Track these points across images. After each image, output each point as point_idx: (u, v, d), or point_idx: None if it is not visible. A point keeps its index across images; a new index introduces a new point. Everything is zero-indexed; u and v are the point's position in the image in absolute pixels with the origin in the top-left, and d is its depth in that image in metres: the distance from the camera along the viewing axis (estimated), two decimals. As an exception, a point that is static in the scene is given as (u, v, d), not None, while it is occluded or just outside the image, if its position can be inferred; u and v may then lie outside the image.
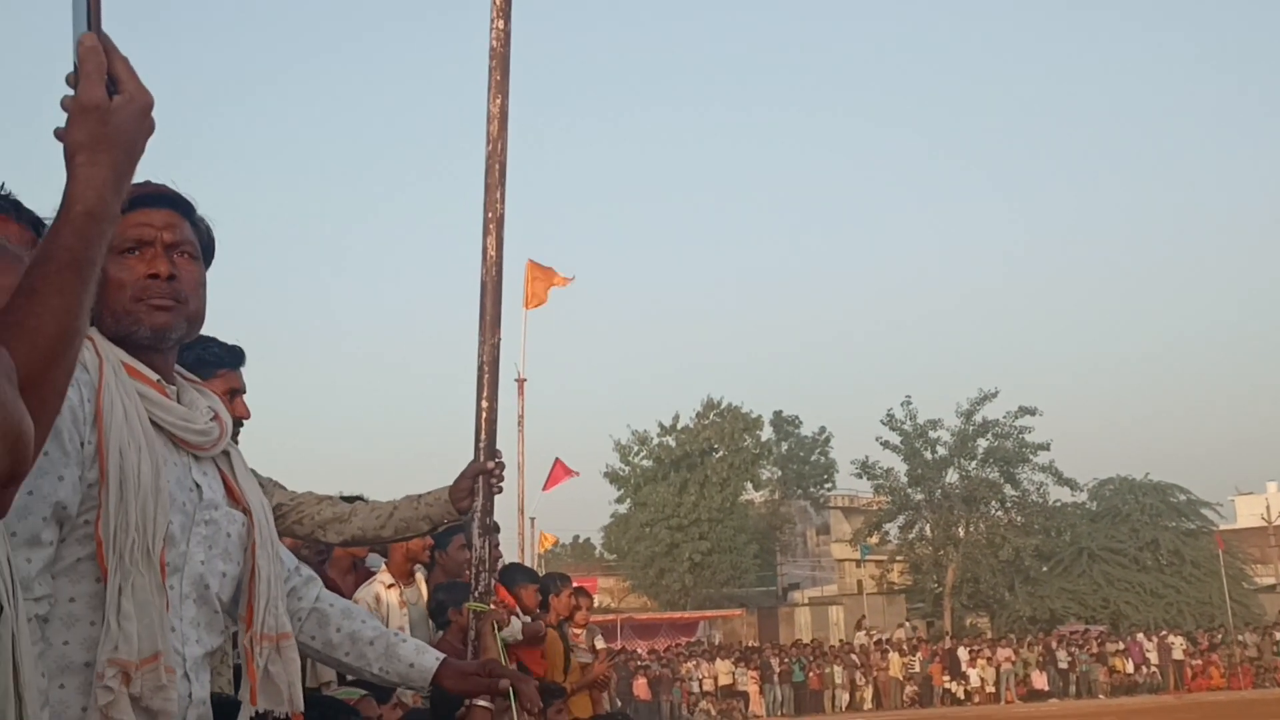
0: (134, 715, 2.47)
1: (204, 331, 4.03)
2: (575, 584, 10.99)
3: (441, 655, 3.59)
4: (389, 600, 7.21)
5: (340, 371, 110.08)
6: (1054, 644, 46.50)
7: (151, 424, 2.64)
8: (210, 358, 4.06)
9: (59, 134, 1.99)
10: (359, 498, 4.77)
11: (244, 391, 4.18)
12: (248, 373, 4.28)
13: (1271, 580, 64.47)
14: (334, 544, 4.59)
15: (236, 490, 2.90)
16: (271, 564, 2.96)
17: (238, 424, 4.15)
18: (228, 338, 4.26)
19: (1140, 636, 47.76)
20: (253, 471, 4.16)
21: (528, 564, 12.44)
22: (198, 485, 2.78)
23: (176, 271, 2.78)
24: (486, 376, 4.52)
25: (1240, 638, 47.82)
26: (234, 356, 4.17)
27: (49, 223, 2.50)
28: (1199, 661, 46.57)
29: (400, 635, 3.59)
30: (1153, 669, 46.19)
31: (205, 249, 2.91)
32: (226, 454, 2.94)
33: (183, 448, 2.76)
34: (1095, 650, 46.28)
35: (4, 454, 1.61)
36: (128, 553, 2.48)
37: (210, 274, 2.93)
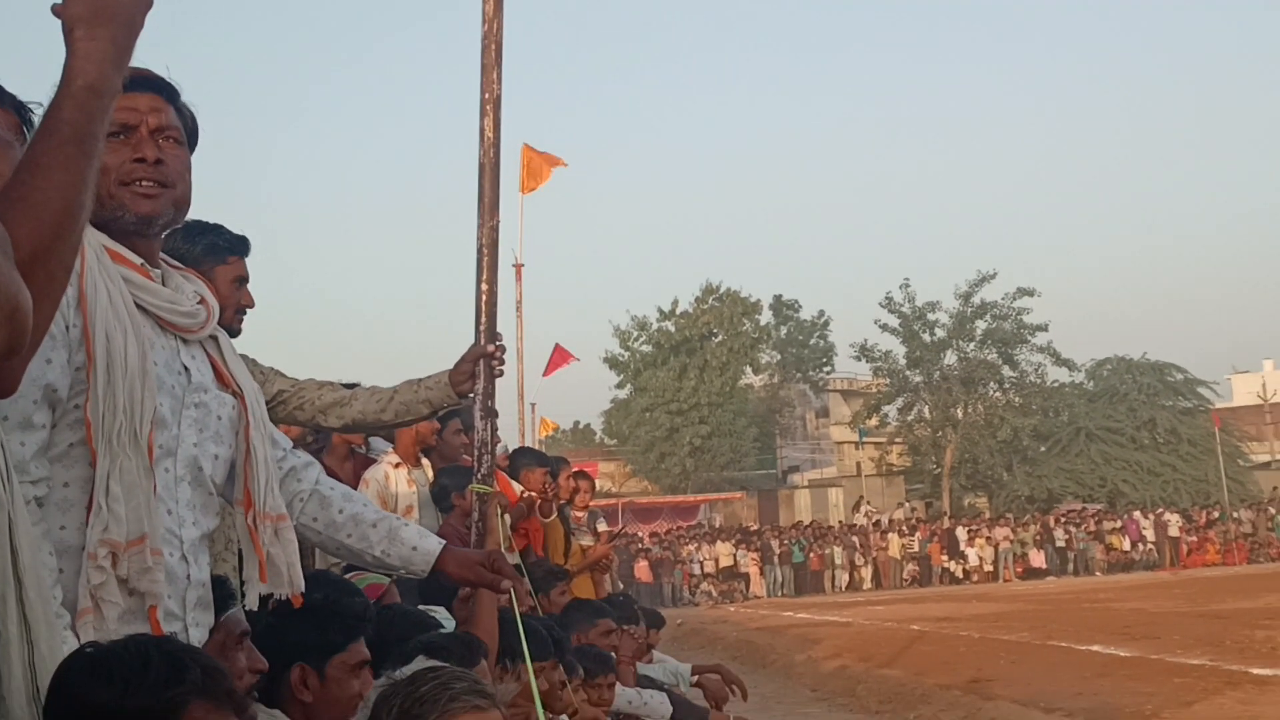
0: (121, 597, 2.47)
1: (208, 218, 4.00)
2: (576, 468, 11.02)
3: (443, 541, 3.59)
4: (397, 479, 7.22)
5: (338, 262, 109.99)
6: (1051, 523, 46.91)
7: (137, 308, 2.62)
8: (223, 244, 4.07)
9: (56, 9, 1.95)
10: (358, 385, 4.76)
11: (249, 280, 4.17)
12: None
13: (1267, 457, 64.81)
14: (335, 429, 4.58)
15: (225, 373, 2.89)
16: (265, 445, 2.95)
17: (243, 312, 4.14)
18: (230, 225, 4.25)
19: (1137, 514, 48.17)
20: (254, 360, 4.15)
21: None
22: (186, 368, 2.76)
23: (163, 156, 2.74)
24: (486, 259, 4.48)
25: (1235, 514, 48.26)
26: (242, 245, 4.16)
27: (34, 106, 2.45)
28: (1195, 538, 47.02)
29: (402, 520, 3.59)
30: (1149, 546, 46.62)
31: (190, 134, 2.88)
32: (215, 338, 2.92)
33: (169, 331, 2.74)
34: (1092, 528, 46.67)
35: (1, 325, 1.58)
36: (115, 436, 2.47)
37: (201, 159, 2.90)
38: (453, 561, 3.56)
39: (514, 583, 3.64)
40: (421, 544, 3.51)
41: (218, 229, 4.10)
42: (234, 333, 3.93)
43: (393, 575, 4.15)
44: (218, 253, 4.01)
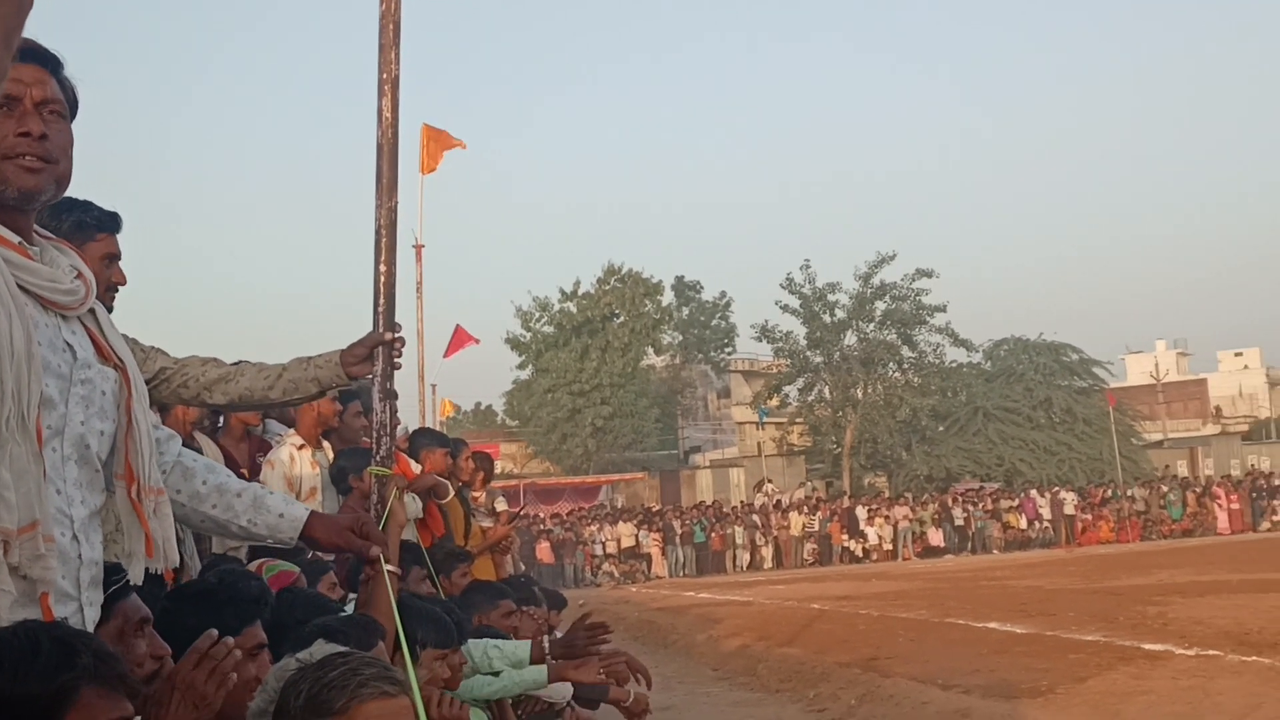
0: (13, 584, 2.43)
1: (81, 193, 3.91)
2: (476, 449, 10.98)
3: (310, 508, 3.57)
4: (301, 460, 7.16)
5: (234, 243, 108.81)
6: (950, 501, 47.38)
7: (18, 288, 2.56)
8: (90, 220, 3.95)
9: None
10: (243, 362, 4.65)
11: (120, 257, 4.07)
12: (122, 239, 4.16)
13: (1159, 436, 66.00)
14: (220, 406, 4.49)
15: (106, 347, 2.85)
16: (147, 418, 2.92)
17: (114, 289, 4.06)
18: (110, 202, 4.14)
19: (1034, 493, 48.76)
20: (135, 340, 4.07)
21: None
22: (69, 345, 2.72)
23: (47, 130, 2.70)
24: (384, 241, 4.44)
25: (1129, 492, 49.01)
26: (112, 221, 4.05)
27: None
28: (1089, 516, 47.67)
29: (266, 489, 3.56)
30: (1045, 524, 47.25)
31: (71, 108, 2.84)
32: (92, 312, 2.88)
33: (51, 309, 2.70)
34: (990, 507, 47.21)
35: None
36: (4, 422, 2.41)
37: (91, 132, 2.86)
38: (321, 527, 3.54)
39: (382, 548, 3.63)
40: (288, 510, 3.49)
41: (86, 205, 3.98)
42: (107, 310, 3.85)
43: (301, 557, 4.10)
44: (85, 230, 3.88)
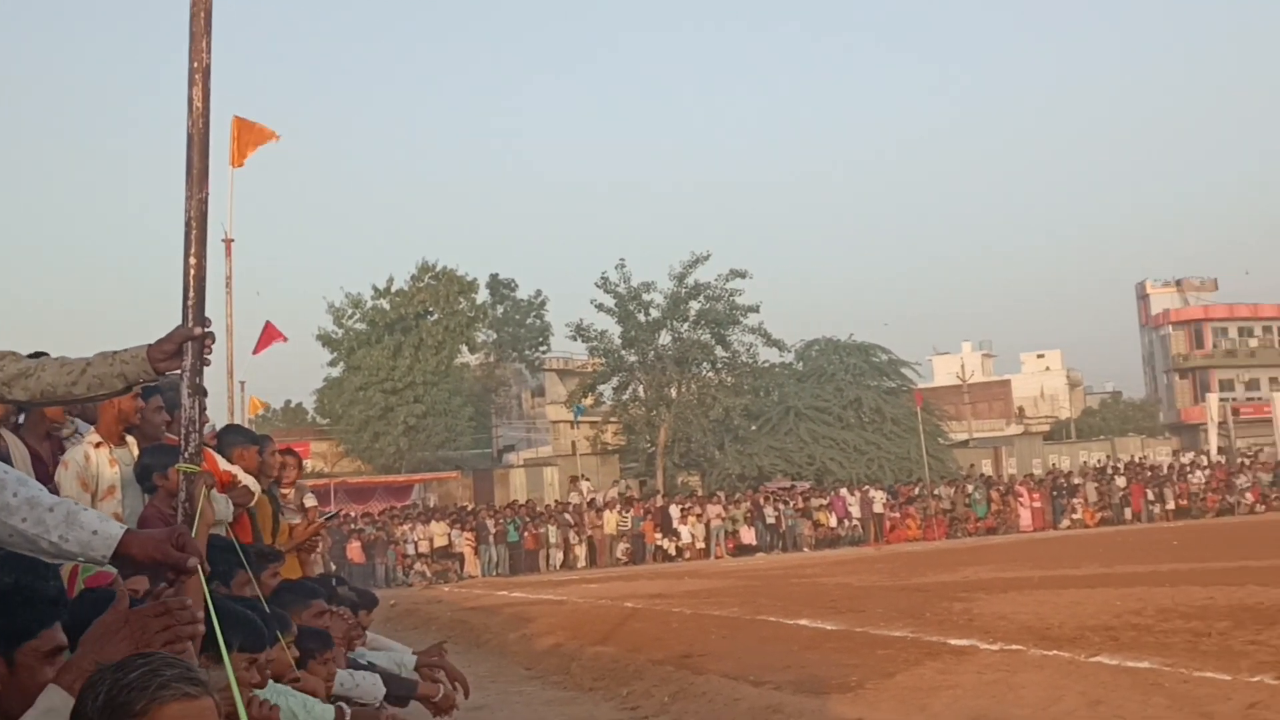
0: None
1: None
2: (282, 447, 10.79)
3: (125, 526, 3.46)
4: (98, 459, 6.95)
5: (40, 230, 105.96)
6: (762, 500, 47.89)
7: None
8: None
9: None
10: (44, 354, 4.47)
11: None
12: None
13: (965, 436, 67.57)
14: (21, 402, 4.32)
15: None
16: None
17: None
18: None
19: (844, 491, 49.54)
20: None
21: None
22: None
23: None
24: (194, 233, 4.32)
25: (936, 491, 50.04)
26: None
27: None
28: (898, 514, 48.60)
29: (80, 505, 3.44)
30: (855, 522, 48.06)
31: None
32: None
33: None
34: (801, 505, 47.83)
35: None
36: None
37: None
38: (136, 544, 3.43)
39: (200, 560, 3.54)
40: (102, 528, 3.37)
41: None
42: None
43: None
44: None
